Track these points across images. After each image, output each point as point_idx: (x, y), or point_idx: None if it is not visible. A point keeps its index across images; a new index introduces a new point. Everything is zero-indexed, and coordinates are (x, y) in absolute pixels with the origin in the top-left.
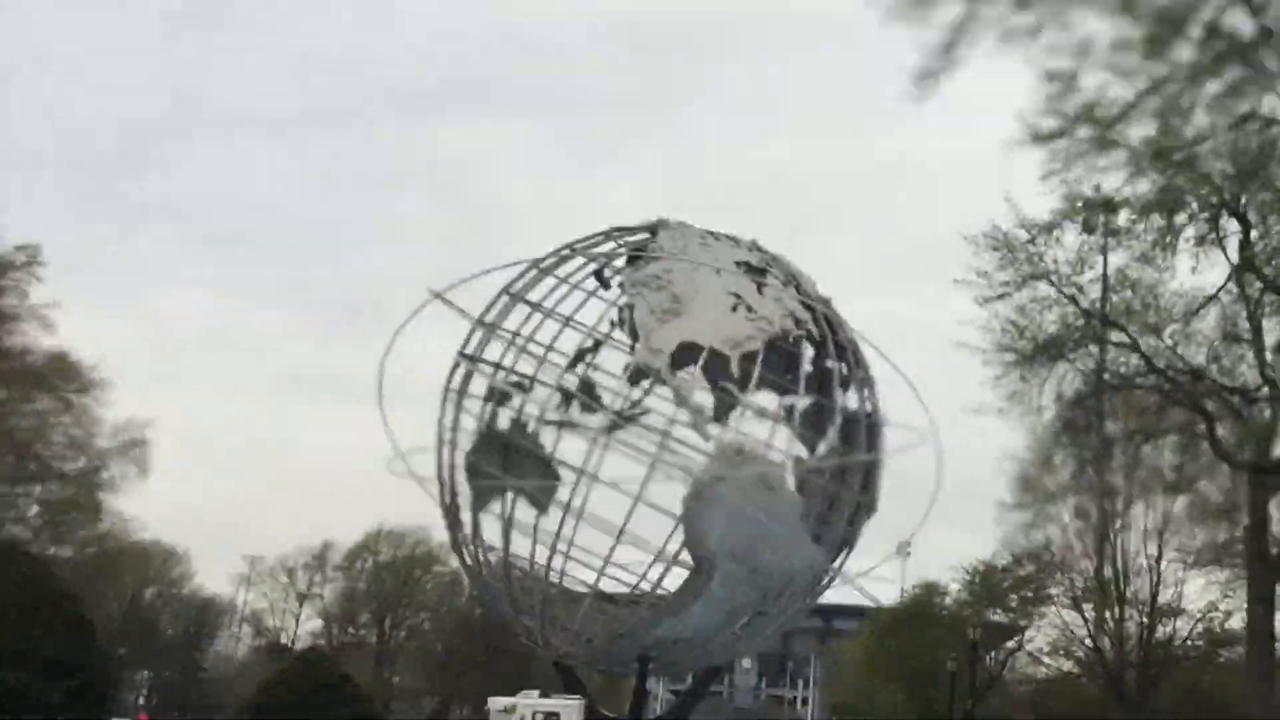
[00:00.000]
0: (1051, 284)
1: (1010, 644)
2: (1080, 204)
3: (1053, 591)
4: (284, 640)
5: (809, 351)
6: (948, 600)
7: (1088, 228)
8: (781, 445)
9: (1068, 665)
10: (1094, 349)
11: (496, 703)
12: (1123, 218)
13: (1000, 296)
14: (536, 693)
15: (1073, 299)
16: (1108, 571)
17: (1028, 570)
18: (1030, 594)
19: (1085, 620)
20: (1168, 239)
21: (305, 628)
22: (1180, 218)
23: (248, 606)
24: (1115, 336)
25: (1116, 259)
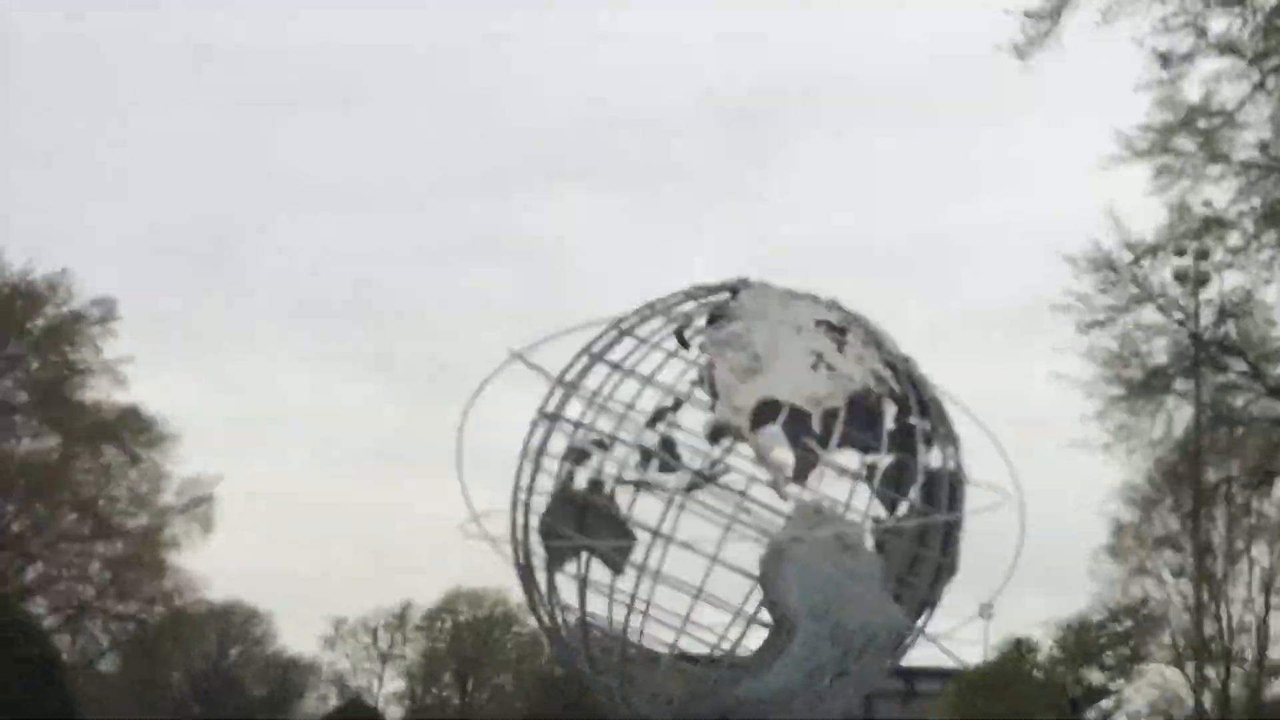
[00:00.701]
0: (1160, 308)
1: (1106, 704)
2: (1188, 221)
3: (1152, 648)
4: (368, 701)
5: (891, 409)
6: (1039, 658)
7: (1200, 251)
8: (861, 505)
9: None
10: (1196, 382)
11: None
12: (1235, 237)
13: (1103, 323)
14: None
15: (1183, 323)
16: (1210, 628)
17: (1125, 626)
18: (1128, 651)
19: (1187, 679)
20: None
21: (389, 688)
22: None
23: (331, 667)
24: (1232, 364)
25: (1231, 280)
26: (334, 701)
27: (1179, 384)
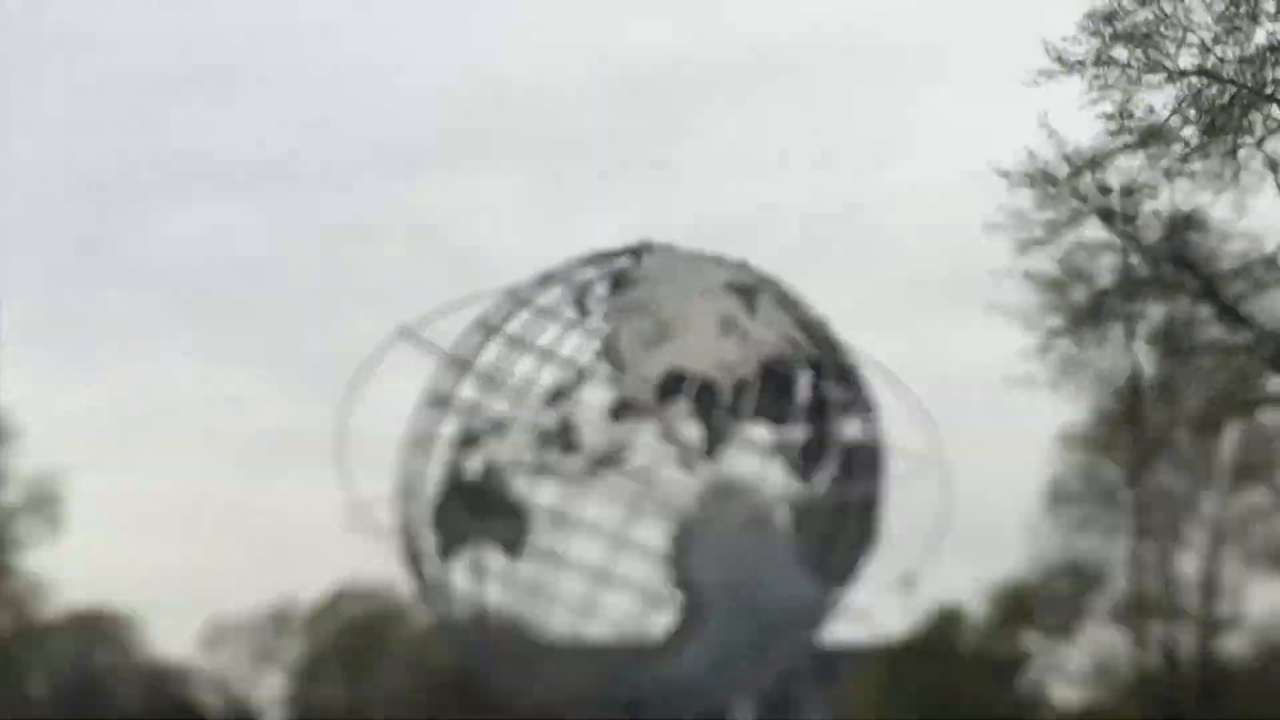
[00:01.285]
0: (1104, 222)
1: (1042, 668)
2: (1129, 131)
3: (1093, 607)
4: (243, 705)
5: (806, 376)
6: (970, 625)
7: (1145, 161)
8: (776, 478)
9: (1107, 694)
10: (1136, 309)
11: None
12: (1179, 149)
13: (1042, 241)
14: None
15: (1129, 237)
16: (1154, 584)
17: (1063, 584)
18: (1066, 611)
19: (1131, 637)
20: (1233, 170)
21: (272, 691)
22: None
23: (210, 672)
24: (1185, 284)
25: (1179, 192)
26: (216, 710)
27: (1125, 308)
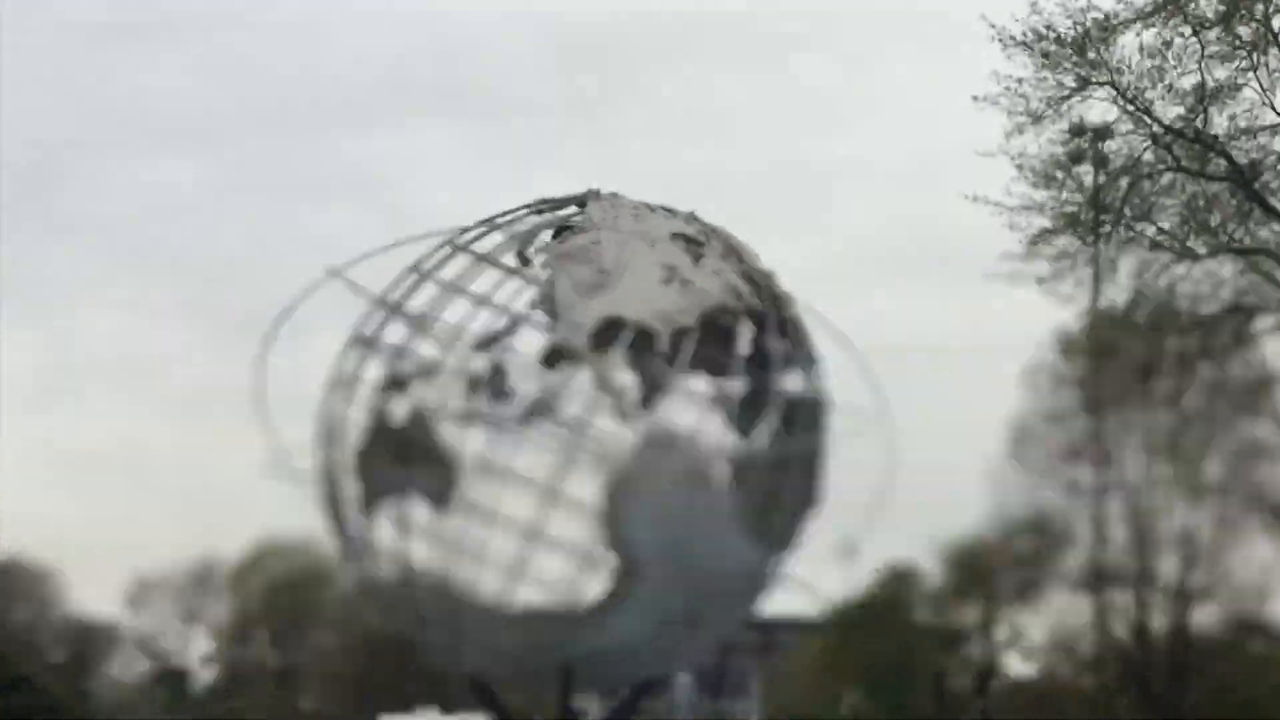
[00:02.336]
0: (1118, 93)
1: (1000, 638)
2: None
3: (1056, 572)
4: (170, 663)
5: (749, 329)
6: (923, 589)
7: (1165, 35)
8: (715, 433)
9: (1066, 667)
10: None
11: None
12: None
13: (1042, 117)
14: (435, 710)
15: (1146, 112)
16: (1120, 546)
17: (1023, 546)
18: (1026, 576)
19: (1096, 606)
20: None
21: (198, 650)
22: None
23: (135, 630)
24: (1211, 167)
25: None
26: (142, 667)
27: (1135, 196)
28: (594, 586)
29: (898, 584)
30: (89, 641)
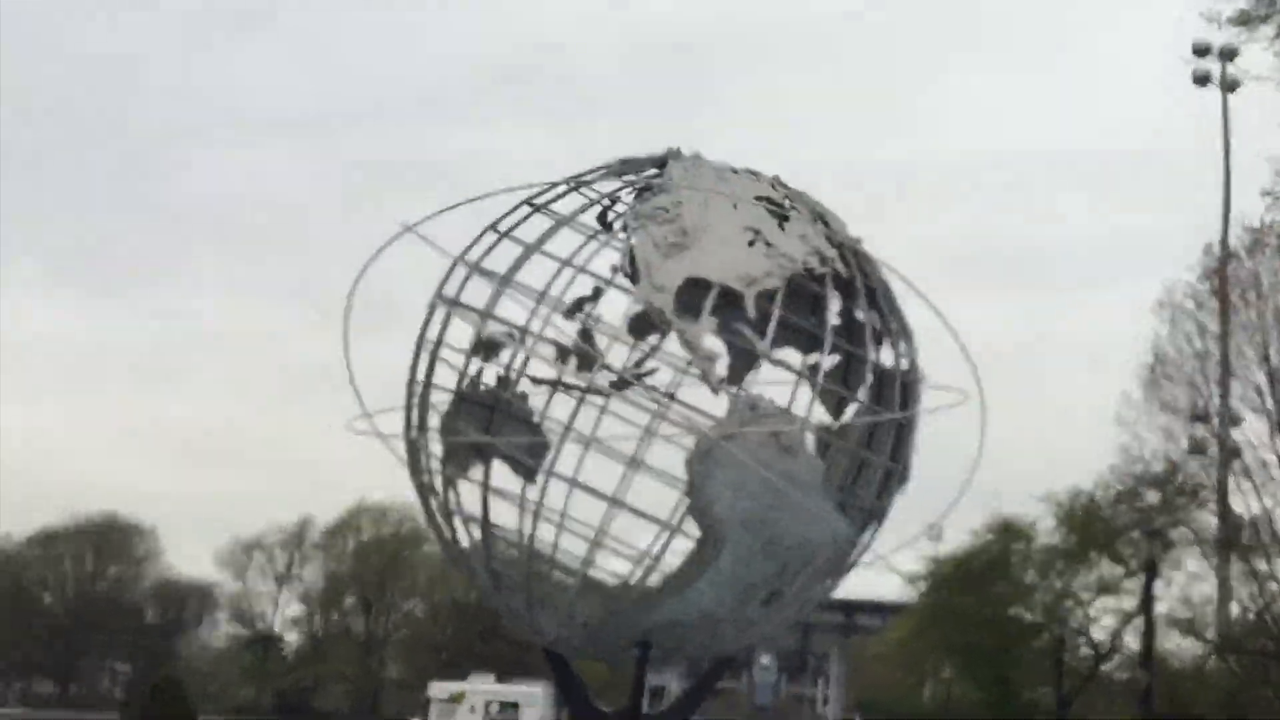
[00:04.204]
0: None
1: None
2: None
3: (1185, 534)
4: (260, 626)
5: (836, 296)
6: (1033, 547)
7: None
8: (803, 402)
9: (1190, 642)
10: None
11: (440, 689)
12: None
13: None
14: (491, 677)
15: None
16: (1245, 507)
17: (1149, 502)
18: (1155, 533)
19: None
20: None
21: (288, 612)
22: None
23: (223, 591)
24: None
25: None
26: (229, 629)
27: None
28: (675, 556)
29: (1006, 540)
30: (183, 602)
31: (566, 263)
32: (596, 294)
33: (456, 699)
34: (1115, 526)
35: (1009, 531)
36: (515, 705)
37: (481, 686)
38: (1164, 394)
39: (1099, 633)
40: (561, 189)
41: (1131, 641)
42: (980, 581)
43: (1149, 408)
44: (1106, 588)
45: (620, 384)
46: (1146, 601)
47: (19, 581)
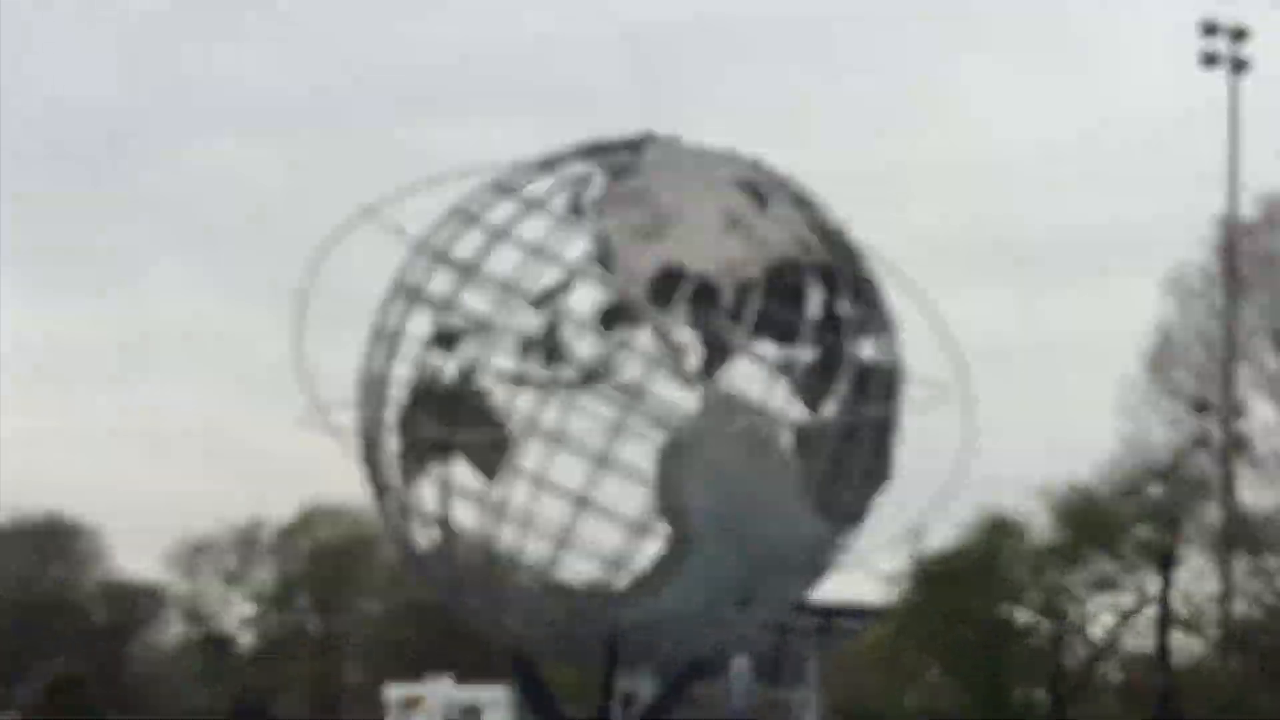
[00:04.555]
0: None
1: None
2: None
3: (1191, 530)
4: (212, 628)
5: (818, 287)
6: (1026, 543)
7: None
8: (780, 397)
9: (1199, 643)
10: None
11: (395, 692)
12: None
13: None
14: (449, 679)
15: None
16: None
17: (1155, 494)
18: (1159, 531)
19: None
20: None
21: (237, 614)
22: None
23: (173, 591)
24: None
25: None
26: (178, 628)
27: None
28: (644, 556)
29: (996, 537)
30: (132, 603)
31: (536, 250)
32: (565, 284)
33: (413, 703)
34: (1116, 521)
35: (999, 529)
36: (476, 710)
37: (439, 689)
38: (1171, 379)
39: (1096, 631)
40: (531, 172)
41: (1131, 641)
42: (968, 578)
43: (1155, 394)
44: (1104, 584)
45: (588, 377)
46: (1163, 597)
47: None
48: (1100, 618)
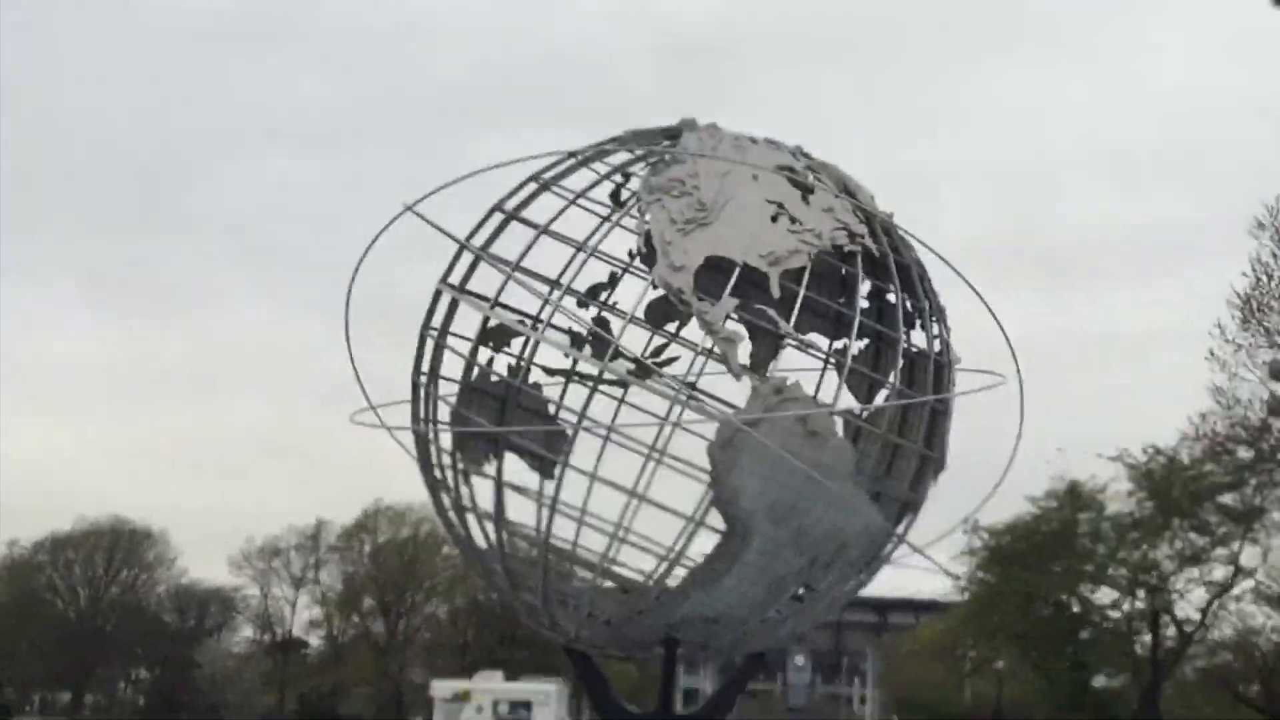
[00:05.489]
0: None
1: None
2: None
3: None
4: (278, 631)
5: (866, 276)
6: (1104, 516)
7: None
8: (830, 387)
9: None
10: None
11: (442, 688)
12: None
13: None
14: (499, 675)
15: None
16: None
17: (1245, 457)
18: (1244, 499)
19: None
20: None
21: (303, 617)
22: None
23: (240, 594)
24: None
25: None
26: (248, 633)
27: None
28: (700, 550)
29: (1073, 507)
30: (202, 607)
31: (579, 248)
32: (613, 280)
33: (462, 697)
34: (1202, 487)
35: (1076, 497)
36: (528, 704)
37: (488, 685)
38: (1265, 322)
39: (1185, 609)
40: (570, 163)
41: (1223, 620)
42: (1043, 556)
43: (1245, 341)
44: (1192, 558)
45: (638, 371)
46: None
47: (29, 588)
48: (1191, 595)
